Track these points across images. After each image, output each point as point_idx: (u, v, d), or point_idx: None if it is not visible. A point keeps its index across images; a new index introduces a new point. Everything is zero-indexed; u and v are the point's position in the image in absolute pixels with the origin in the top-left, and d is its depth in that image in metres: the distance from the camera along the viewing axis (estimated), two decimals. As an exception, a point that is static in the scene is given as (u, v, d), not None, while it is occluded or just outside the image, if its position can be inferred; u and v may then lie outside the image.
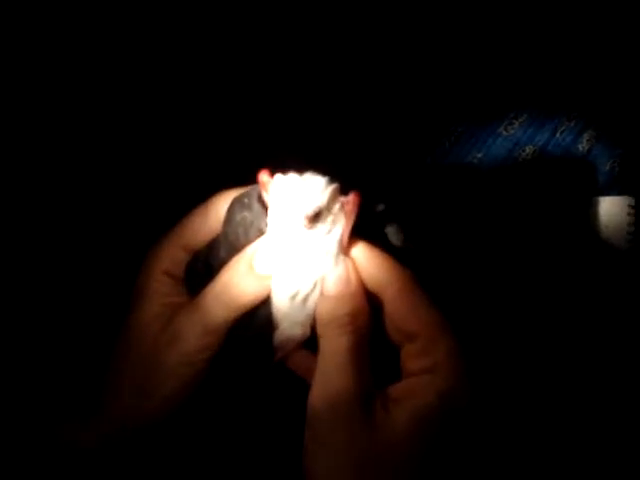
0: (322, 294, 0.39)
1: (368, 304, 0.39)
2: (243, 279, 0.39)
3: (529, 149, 0.62)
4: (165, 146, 0.58)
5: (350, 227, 0.38)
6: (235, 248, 0.40)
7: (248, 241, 0.39)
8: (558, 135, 0.62)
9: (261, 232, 0.39)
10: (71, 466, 0.41)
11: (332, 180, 0.38)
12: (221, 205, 0.41)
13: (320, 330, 0.39)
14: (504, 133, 0.63)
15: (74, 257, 0.55)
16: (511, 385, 0.54)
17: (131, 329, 0.42)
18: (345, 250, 0.39)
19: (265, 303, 0.39)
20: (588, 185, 0.62)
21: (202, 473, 0.49)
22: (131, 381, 0.41)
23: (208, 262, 0.41)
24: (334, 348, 0.38)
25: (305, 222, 0.37)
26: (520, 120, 0.63)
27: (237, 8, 0.60)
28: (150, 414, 0.41)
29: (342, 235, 0.38)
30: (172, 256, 0.43)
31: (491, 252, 0.58)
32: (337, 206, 0.38)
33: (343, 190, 0.38)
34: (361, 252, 0.39)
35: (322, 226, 0.38)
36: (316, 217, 0.37)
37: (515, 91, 0.63)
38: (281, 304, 0.39)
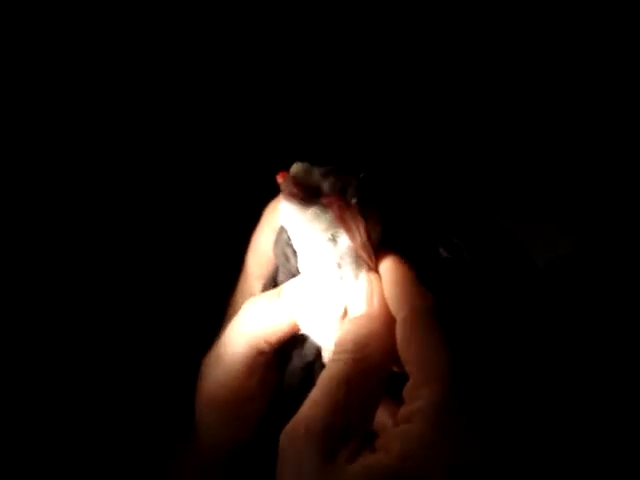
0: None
1: (389, 333, 0.33)
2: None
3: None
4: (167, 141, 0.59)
5: (360, 235, 0.33)
6: (290, 271, 0.36)
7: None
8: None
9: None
10: None
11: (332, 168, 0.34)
12: (273, 219, 0.37)
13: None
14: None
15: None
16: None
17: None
18: (372, 264, 0.34)
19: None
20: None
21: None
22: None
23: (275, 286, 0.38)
24: (324, 375, 0.33)
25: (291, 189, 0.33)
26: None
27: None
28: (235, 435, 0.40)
29: (354, 244, 0.33)
30: (251, 294, 0.40)
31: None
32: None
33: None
34: (387, 267, 0.34)
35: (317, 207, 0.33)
36: (305, 190, 0.33)
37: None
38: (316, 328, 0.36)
